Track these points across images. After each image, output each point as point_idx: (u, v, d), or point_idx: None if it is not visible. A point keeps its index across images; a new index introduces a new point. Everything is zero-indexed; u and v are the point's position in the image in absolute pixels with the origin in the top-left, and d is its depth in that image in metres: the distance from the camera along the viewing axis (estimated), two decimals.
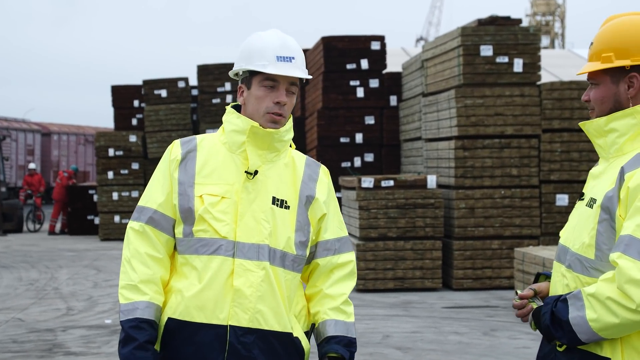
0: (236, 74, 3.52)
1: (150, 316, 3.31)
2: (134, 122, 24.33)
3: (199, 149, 3.45)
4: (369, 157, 17.81)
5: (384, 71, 18.22)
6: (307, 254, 3.49)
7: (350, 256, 3.58)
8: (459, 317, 11.09)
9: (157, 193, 3.44)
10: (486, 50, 13.48)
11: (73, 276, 15.59)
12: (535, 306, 3.24)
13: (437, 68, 14.63)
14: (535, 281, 3.45)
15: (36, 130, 45.00)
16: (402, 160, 17.63)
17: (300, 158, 3.59)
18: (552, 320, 3.08)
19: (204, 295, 3.30)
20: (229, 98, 21.73)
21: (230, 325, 3.28)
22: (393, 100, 17.95)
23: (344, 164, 17.59)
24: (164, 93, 22.84)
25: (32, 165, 29.88)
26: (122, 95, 24.49)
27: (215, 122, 21.56)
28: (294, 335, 3.40)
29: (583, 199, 3.21)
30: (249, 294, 3.29)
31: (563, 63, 28.95)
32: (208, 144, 3.47)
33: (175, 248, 3.45)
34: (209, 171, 3.40)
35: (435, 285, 13.34)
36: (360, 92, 17.82)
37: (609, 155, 3.15)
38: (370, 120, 17.82)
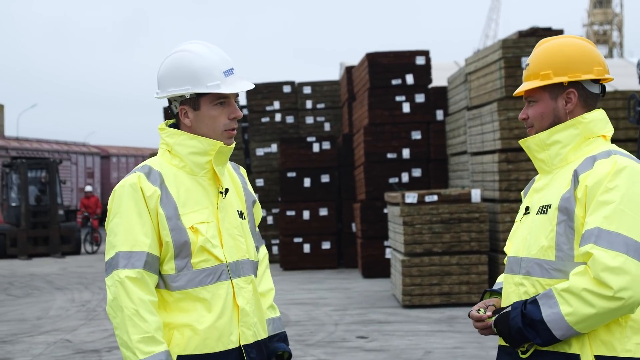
0: (174, 98, 3.38)
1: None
2: None
3: (166, 179, 3.34)
4: (417, 172, 17.75)
5: (431, 85, 18.19)
6: None
7: (264, 249, 3.70)
8: None
9: (140, 235, 3.27)
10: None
11: None
12: (489, 320, 3.32)
13: (480, 81, 14.58)
14: (482, 298, 3.57)
15: (95, 153, 45.70)
16: (449, 175, 17.56)
17: (228, 164, 3.60)
18: (524, 322, 3.16)
19: (219, 323, 3.29)
20: (277, 117, 21.83)
21: (243, 346, 3.34)
22: (439, 114, 17.89)
23: (391, 180, 17.56)
24: None
25: (88, 188, 30.34)
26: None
27: (264, 140, 21.68)
28: None
29: (529, 212, 3.35)
30: (249, 310, 3.40)
31: (619, 72, 28.62)
32: (168, 172, 3.37)
33: (161, 285, 3.35)
34: (184, 200, 3.33)
35: None
36: (406, 107, 17.80)
37: (552, 168, 3.32)
38: (417, 135, 17.77)
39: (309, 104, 21.92)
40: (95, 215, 28.98)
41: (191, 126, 3.36)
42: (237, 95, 3.42)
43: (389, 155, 17.75)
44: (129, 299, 3.19)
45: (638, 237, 3.05)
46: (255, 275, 3.51)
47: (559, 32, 13.91)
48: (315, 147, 19.76)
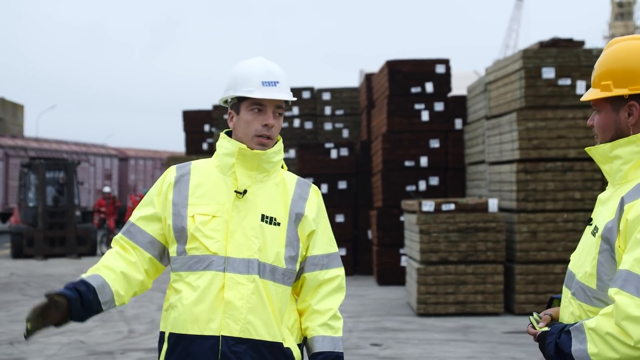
0: (225, 101, 3.73)
1: (91, 282, 3.57)
2: (205, 146, 24.63)
3: (192, 173, 3.69)
4: (434, 181, 17.71)
5: (450, 94, 18.15)
6: (297, 268, 3.68)
7: (338, 271, 3.76)
8: (517, 343, 10.96)
9: (141, 210, 3.73)
10: (548, 73, 13.35)
11: (139, 299, 15.76)
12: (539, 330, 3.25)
13: (500, 91, 14.54)
14: (549, 305, 3.45)
15: (114, 155, 45.87)
16: (466, 184, 17.52)
17: (292, 178, 3.80)
18: (556, 351, 3.08)
19: (197, 308, 3.51)
20: (296, 122, 21.84)
21: (222, 336, 3.49)
22: (458, 123, 17.85)
23: (408, 188, 17.52)
24: None
25: (106, 189, 30.40)
26: (192, 120, 24.83)
27: (283, 145, 21.67)
28: (285, 345, 3.59)
29: (591, 224, 3.18)
30: (240, 305, 3.50)
31: None
32: (201, 168, 3.71)
33: (170, 267, 3.70)
34: (201, 192, 3.64)
35: (497, 309, 13.20)
36: (425, 116, 17.76)
37: (615, 182, 3.12)
38: (435, 143, 17.73)
39: (327, 110, 21.92)
40: (112, 217, 29.02)
41: (234, 129, 3.69)
42: (280, 106, 3.65)
43: (407, 163, 17.72)
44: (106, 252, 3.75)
45: None
46: (275, 279, 3.58)
47: (581, 43, 13.85)
48: (333, 154, 19.75)
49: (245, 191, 3.61)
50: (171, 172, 3.72)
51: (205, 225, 3.56)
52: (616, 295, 2.88)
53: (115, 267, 3.63)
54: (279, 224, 3.63)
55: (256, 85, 3.58)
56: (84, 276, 3.59)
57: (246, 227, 3.58)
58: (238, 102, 3.64)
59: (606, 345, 2.91)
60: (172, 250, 3.62)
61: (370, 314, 13.67)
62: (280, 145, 3.72)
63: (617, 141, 3.08)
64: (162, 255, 3.72)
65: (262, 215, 3.61)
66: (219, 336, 3.48)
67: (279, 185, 3.72)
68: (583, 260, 3.13)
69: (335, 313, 3.69)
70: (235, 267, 3.52)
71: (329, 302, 3.70)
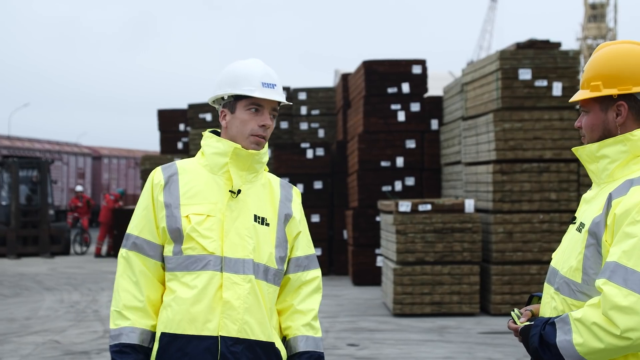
0: (214, 100, 3.73)
1: (133, 340, 3.52)
2: (180, 145, 24.56)
3: (180, 173, 3.66)
4: (410, 181, 17.73)
5: (426, 95, 18.18)
6: (285, 269, 3.73)
7: (317, 272, 3.82)
8: (494, 343, 10.99)
9: (140, 220, 3.65)
10: (525, 74, 13.40)
11: None
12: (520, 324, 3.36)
13: (477, 92, 14.57)
14: (529, 303, 3.56)
15: (87, 154, 45.63)
16: (442, 185, 17.55)
17: (275, 180, 3.82)
18: (541, 342, 3.15)
19: (194, 308, 3.49)
20: None
21: (220, 336, 3.48)
22: (434, 124, 17.88)
23: (384, 188, 17.53)
24: (208, 117, 22.98)
25: (79, 188, 30.24)
26: (168, 119, 24.75)
27: None
28: (276, 345, 3.62)
29: (574, 223, 3.28)
30: (237, 305, 3.50)
31: None
32: (189, 168, 3.68)
33: (163, 268, 3.65)
34: (193, 193, 3.61)
35: (472, 310, 13.23)
36: (401, 116, 17.78)
37: (601, 181, 3.23)
38: (411, 144, 17.76)
39: (303, 110, 21.90)
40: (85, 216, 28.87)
41: (226, 128, 3.67)
42: (274, 109, 3.67)
43: (383, 164, 17.73)
44: (117, 274, 3.64)
45: None
46: (267, 279, 3.62)
47: (557, 45, 13.91)
48: (309, 154, 19.74)
49: (239, 191, 3.62)
50: (158, 174, 3.68)
51: (200, 225, 3.54)
52: (604, 285, 2.97)
53: (141, 305, 3.56)
54: (268, 225, 3.66)
55: (256, 85, 3.60)
56: (124, 341, 3.50)
57: (239, 227, 3.58)
58: (235, 101, 3.64)
59: (592, 335, 2.99)
60: (168, 250, 3.59)
61: (347, 314, 13.66)
62: (267, 146, 3.73)
63: (604, 141, 3.19)
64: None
65: (255, 216, 3.63)
66: (216, 336, 3.47)
67: (265, 186, 3.74)
68: (568, 255, 3.22)
69: (316, 314, 3.76)
70: (231, 267, 3.52)
71: (310, 302, 3.75)
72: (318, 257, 19.43)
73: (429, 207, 13.38)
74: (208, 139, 3.70)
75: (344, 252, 19.43)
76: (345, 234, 19.39)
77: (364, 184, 17.69)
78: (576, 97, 3.26)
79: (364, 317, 13.29)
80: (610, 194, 3.08)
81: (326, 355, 10.15)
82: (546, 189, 13.36)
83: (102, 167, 46.44)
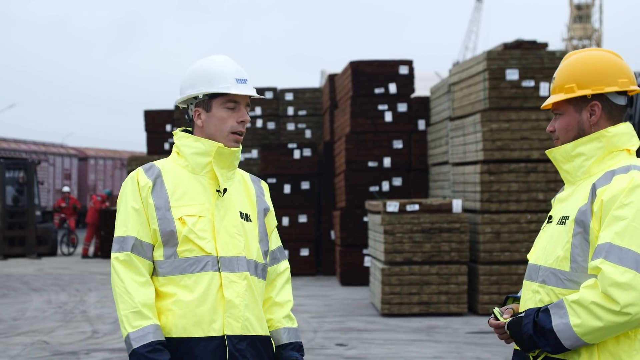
0: (192, 99, 3.65)
1: (162, 337, 3.47)
2: (166, 146, 24.50)
3: (164, 174, 3.61)
4: (397, 182, 17.77)
5: (413, 95, 18.22)
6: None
7: (287, 263, 3.93)
8: (482, 343, 11.03)
9: (134, 222, 3.56)
10: (512, 74, 13.45)
11: (102, 299, 15.69)
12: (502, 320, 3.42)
13: (464, 92, 14.62)
14: (504, 304, 3.66)
15: (73, 155, 45.48)
16: (430, 185, 17.60)
17: (246, 175, 3.84)
18: (535, 329, 3.23)
19: (199, 310, 3.48)
20: (259, 122, 21.81)
21: (226, 335, 3.50)
22: (421, 124, 17.92)
23: (372, 188, 17.57)
24: None
25: (65, 189, 30.16)
26: (154, 120, 24.68)
27: (245, 146, 21.58)
28: (270, 338, 3.71)
29: (551, 222, 3.42)
30: (238, 303, 3.54)
31: None
32: (170, 168, 3.64)
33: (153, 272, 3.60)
34: (180, 194, 3.58)
35: (460, 310, 13.27)
36: (388, 117, 17.82)
37: (576, 179, 3.40)
38: (398, 144, 17.81)
39: (290, 111, 21.92)
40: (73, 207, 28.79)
41: (202, 127, 3.62)
42: (248, 104, 3.66)
43: (370, 164, 17.77)
44: (118, 278, 3.51)
45: None
46: (257, 274, 3.65)
47: (544, 45, 13.97)
48: (296, 154, 19.76)
49: (225, 189, 3.62)
50: (142, 176, 3.60)
51: (195, 226, 3.53)
52: (601, 264, 3.10)
53: (153, 304, 3.50)
54: (251, 221, 3.69)
55: (231, 82, 3.59)
56: (154, 339, 3.43)
57: (228, 225, 3.59)
58: (209, 99, 3.60)
59: (590, 314, 3.10)
60: (159, 255, 3.54)
61: (335, 314, 13.68)
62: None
63: (579, 140, 3.37)
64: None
65: (240, 213, 3.65)
66: (222, 336, 3.49)
67: (241, 182, 3.75)
68: (552, 248, 3.34)
69: (292, 304, 3.85)
70: (227, 266, 3.53)
71: (286, 294, 3.84)
72: (305, 257, 19.51)
73: (416, 207, 13.41)
74: (184, 139, 3.65)
75: (331, 252, 19.45)
76: (332, 234, 19.40)
77: (352, 185, 17.72)
78: (550, 100, 3.43)
79: (352, 317, 13.32)
80: (594, 184, 3.25)
81: (315, 354, 10.19)
82: (533, 189, 13.41)
83: (88, 168, 46.31)
